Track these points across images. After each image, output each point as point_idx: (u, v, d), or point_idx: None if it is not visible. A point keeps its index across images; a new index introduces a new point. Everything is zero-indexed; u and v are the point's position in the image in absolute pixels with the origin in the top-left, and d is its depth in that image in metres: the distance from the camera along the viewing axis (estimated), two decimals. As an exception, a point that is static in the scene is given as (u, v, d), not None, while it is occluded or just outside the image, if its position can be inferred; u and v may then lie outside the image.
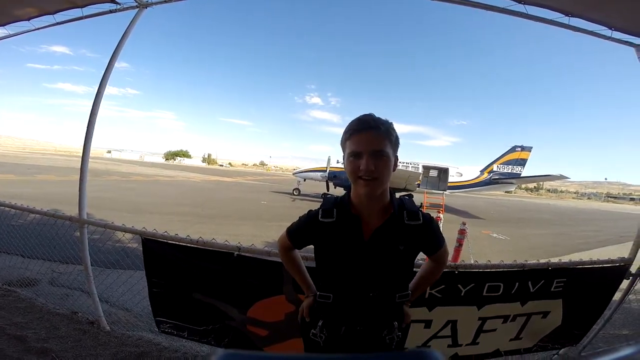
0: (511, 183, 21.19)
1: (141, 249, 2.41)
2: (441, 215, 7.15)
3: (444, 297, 2.28)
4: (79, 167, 2.65)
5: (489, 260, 2.40)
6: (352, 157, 1.16)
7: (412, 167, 19.36)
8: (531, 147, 20.81)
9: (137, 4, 2.57)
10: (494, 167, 20.88)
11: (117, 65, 2.70)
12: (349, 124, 1.19)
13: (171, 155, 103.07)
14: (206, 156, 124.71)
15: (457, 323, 2.39)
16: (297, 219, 1.41)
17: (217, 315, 2.38)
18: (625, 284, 2.71)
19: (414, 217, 1.24)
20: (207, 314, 2.39)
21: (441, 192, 19.00)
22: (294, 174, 21.23)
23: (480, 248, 8.18)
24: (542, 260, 2.46)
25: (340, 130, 1.24)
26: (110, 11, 2.63)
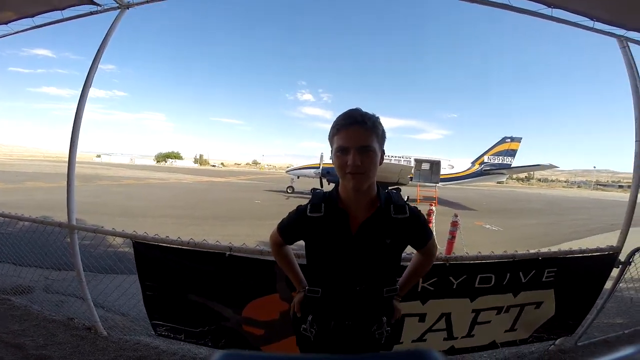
0: (502, 174, 21.47)
1: (133, 252, 2.40)
2: (434, 208, 7.18)
3: (436, 289, 2.29)
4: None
5: (480, 252, 2.42)
6: (340, 152, 1.17)
7: (404, 160, 19.45)
8: (520, 138, 21.05)
9: (118, 5, 2.53)
10: (485, 159, 21.08)
11: (103, 67, 2.67)
12: (336, 119, 1.20)
13: (162, 157, 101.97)
14: (198, 157, 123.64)
15: (451, 316, 2.40)
16: (287, 214, 1.42)
17: (212, 317, 2.38)
18: (615, 272, 2.73)
19: (401, 210, 1.25)
20: (202, 315, 2.39)
21: (434, 184, 19.16)
22: (286, 171, 21.20)
23: (474, 239, 8.23)
24: (532, 251, 2.48)
25: (333, 126, 1.24)
26: (91, 13, 2.58)
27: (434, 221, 6.95)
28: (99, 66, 2.63)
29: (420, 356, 0.44)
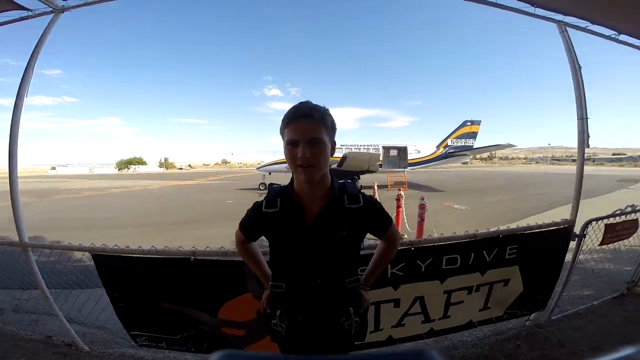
0: (466, 155, 22.44)
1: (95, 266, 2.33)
2: (402, 193, 7.35)
3: (405, 274, 2.34)
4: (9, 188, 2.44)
5: (442, 233, 2.48)
6: (290, 145, 1.18)
7: (372, 148, 19.85)
8: (480, 121, 22.09)
9: (51, 9, 2.37)
10: (449, 142, 21.95)
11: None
12: (286, 112, 1.19)
13: (124, 164, 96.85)
14: (163, 161, 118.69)
15: (424, 299, 2.45)
16: (246, 211, 1.41)
17: (189, 322, 2.34)
18: (573, 245, 2.81)
19: (355, 200, 1.27)
20: (179, 321, 2.35)
21: (402, 169, 19.75)
22: (257, 168, 20.89)
23: (444, 220, 8.52)
24: (492, 229, 2.54)
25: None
26: (22, 18, 2.40)
27: (403, 206, 7.12)
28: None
29: (420, 356, 0.44)
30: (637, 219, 3.14)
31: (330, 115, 1.23)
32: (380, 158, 19.23)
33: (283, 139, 1.23)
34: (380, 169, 18.66)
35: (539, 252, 2.65)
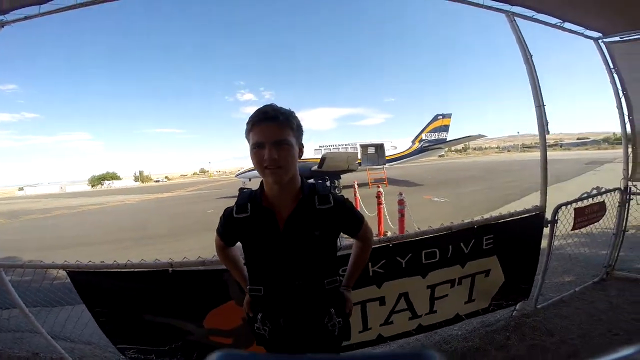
0: (440, 148, 23.00)
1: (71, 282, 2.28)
2: (382, 190, 7.43)
3: (387, 271, 2.34)
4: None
5: (419, 228, 2.49)
6: (256, 148, 1.18)
7: (350, 147, 20.03)
8: (450, 114, 22.70)
9: None
10: (423, 136, 22.42)
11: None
12: (250, 116, 1.20)
13: (97, 180, 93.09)
14: (137, 174, 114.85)
15: (409, 295, 2.45)
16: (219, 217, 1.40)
17: (175, 333, 2.32)
18: (547, 231, 2.83)
19: (325, 200, 1.27)
20: (165, 333, 2.32)
21: (381, 166, 20.02)
22: (237, 175, 20.63)
23: (424, 214, 8.60)
24: (467, 220, 2.54)
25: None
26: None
27: (384, 202, 7.20)
28: None
29: (420, 356, 0.44)
30: (604, 202, 3.23)
31: (295, 118, 1.23)
32: (359, 156, 19.43)
33: (249, 142, 1.22)
34: (359, 167, 18.86)
35: (514, 241, 2.67)
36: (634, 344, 0.42)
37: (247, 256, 1.35)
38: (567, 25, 2.83)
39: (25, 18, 2.35)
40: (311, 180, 1.38)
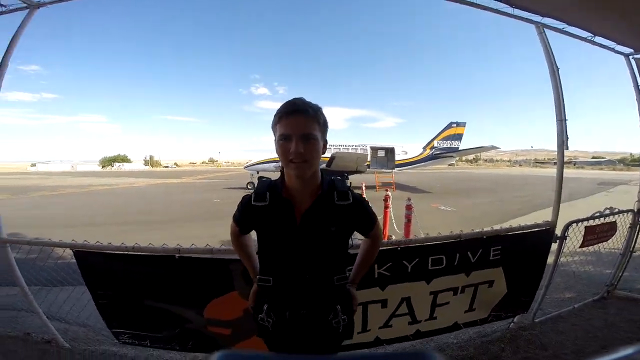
0: (452, 156, 22.80)
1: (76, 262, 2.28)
2: (389, 193, 7.41)
3: (392, 275, 2.33)
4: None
5: (428, 234, 2.48)
6: (282, 140, 1.17)
7: (360, 149, 20.01)
8: (465, 123, 22.43)
9: (26, 4, 2.33)
10: (435, 143, 22.24)
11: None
12: (279, 107, 1.19)
13: (108, 162, 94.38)
14: (147, 158, 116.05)
15: (411, 300, 2.44)
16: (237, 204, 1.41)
17: (174, 320, 2.31)
18: (555, 247, 2.82)
19: (344, 197, 1.27)
20: (163, 319, 2.32)
21: (390, 170, 19.92)
22: (245, 167, 20.74)
23: (431, 222, 8.52)
24: (476, 230, 2.54)
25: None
26: (-5, 14, 2.34)
27: (391, 206, 7.18)
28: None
29: (420, 357, 0.44)
30: (615, 222, 3.20)
31: (323, 114, 1.23)
32: (368, 159, 19.37)
33: (275, 134, 1.22)
34: (368, 169, 18.80)
35: (521, 254, 2.66)
36: (633, 344, 0.43)
37: (260, 245, 1.35)
38: (598, 39, 2.76)
39: (61, 0, 2.37)
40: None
